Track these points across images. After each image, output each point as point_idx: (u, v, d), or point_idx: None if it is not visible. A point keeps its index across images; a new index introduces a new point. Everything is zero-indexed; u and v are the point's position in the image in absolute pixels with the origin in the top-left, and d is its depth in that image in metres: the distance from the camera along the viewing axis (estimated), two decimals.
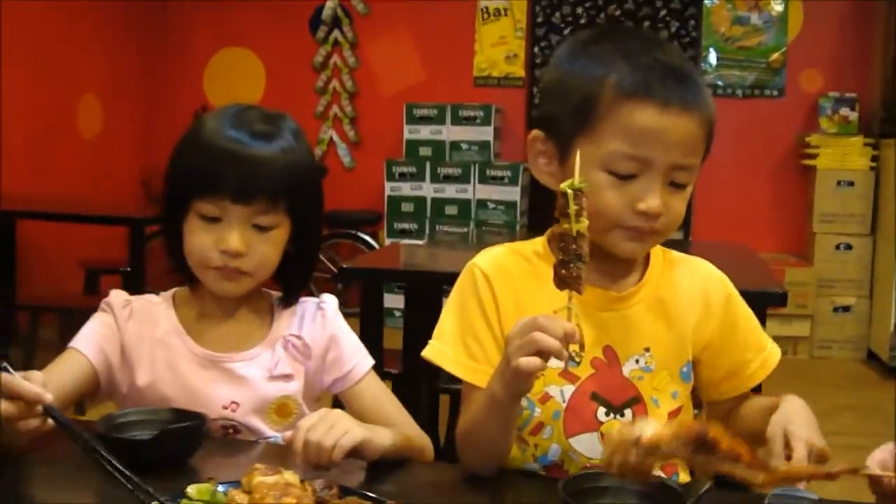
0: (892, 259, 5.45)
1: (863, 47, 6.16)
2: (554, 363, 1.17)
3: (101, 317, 1.52)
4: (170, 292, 1.58)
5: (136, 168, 6.73)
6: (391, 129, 6.55)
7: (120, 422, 1.35)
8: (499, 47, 6.65)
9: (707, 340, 1.41)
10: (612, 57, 1.28)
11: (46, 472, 1.30)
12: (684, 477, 1.41)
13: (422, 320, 2.86)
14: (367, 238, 6.33)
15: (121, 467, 1.14)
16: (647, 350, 1.37)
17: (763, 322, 2.52)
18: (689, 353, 1.40)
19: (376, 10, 6.77)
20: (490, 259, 1.42)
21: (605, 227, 1.28)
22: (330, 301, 1.59)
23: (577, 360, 1.32)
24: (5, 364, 1.21)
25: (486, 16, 6.65)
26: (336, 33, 6.85)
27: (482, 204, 6.19)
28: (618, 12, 6.62)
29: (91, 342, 1.48)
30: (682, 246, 1.55)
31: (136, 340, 1.51)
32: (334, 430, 1.26)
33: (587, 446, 1.35)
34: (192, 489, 1.11)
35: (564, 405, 1.35)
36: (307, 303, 1.58)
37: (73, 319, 4.34)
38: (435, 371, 2.83)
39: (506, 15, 6.62)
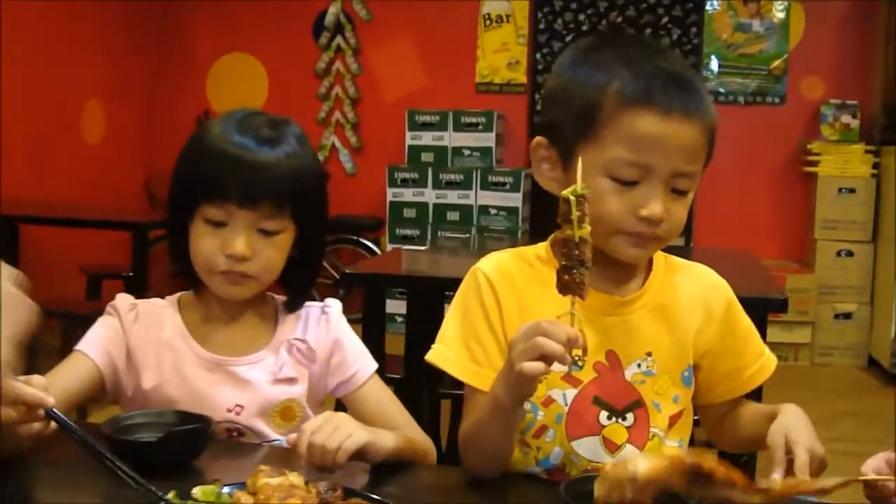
0: (892, 266, 5.45)
1: (864, 55, 6.18)
2: (557, 367, 1.18)
3: (107, 320, 1.53)
4: (175, 296, 1.59)
5: (139, 173, 6.75)
6: (393, 135, 6.57)
7: (125, 424, 1.36)
8: (501, 54, 6.67)
9: (707, 346, 1.42)
10: (615, 64, 1.30)
11: (51, 475, 1.31)
12: None
13: (423, 326, 2.87)
14: (369, 244, 6.34)
15: (127, 469, 1.15)
16: (649, 354, 1.38)
17: (764, 328, 2.54)
18: (691, 358, 1.41)
19: (379, 16, 6.79)
20: (494, 264, 1.43)
21: (607, 232, 1.29)
22: (334, 305, 1.61)
23: (580, 364, 1.33)
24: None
25: (488, 22, 6.67)
26: (339, 39, 6.86)
27: (484, 210, 6.20)
28: (619, 19, 6.64)
29: (97, 345, 1.50)
30: (683, 252, 1.56)
31: (141, 344, 1.52)
32: (338, 432, 1.28)
33: (589, 450, 1.36)
34: (197, 491, 1.12)
35: (567, 409, 1.36)
36: (311, 307, 1.59)
37: (75, 324, 4.35)
38: (436, 376, 2.84)
39: (508, 21, 6.64)
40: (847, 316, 5.87)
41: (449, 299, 1.45)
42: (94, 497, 1.24)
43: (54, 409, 1.21)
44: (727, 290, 1.47)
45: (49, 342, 4.97)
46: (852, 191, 5.85)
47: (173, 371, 1.51)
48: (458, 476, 1.36)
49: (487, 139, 6.30)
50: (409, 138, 6.41)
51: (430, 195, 6.29)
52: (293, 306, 1.58)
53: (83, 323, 1.56)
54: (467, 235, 6.11)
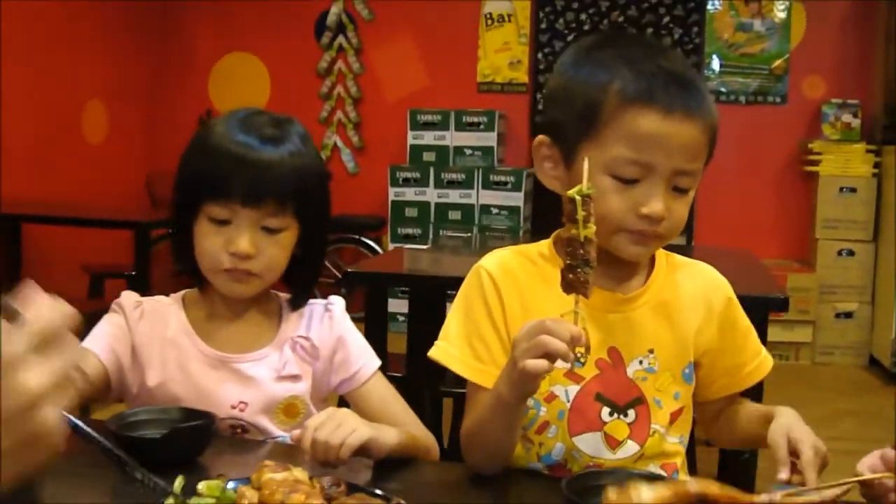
0: (893, 265, 5.46)
1: (865, 54, 6.18)
2: (559, 364, 1.19)
3: (113, 318, 1.54)
4: (180, 294, 1.60)
5: (141, 173, 6.76)
6: (395, 134, 6.57)
7: (130, 421, 1.37)
8: (502, 53, 6.67)
9: (708, 343, 1.44)
10: (616, 63, 1.31)
11: (54, 471, 1.31)
12: (683, 476, 1.43)
13: (425, 324, 2.88)
14: (371, 243, 6.34)
15: (133, 463, 1.16)
16: (651, 352, 1.39)
17: (765, 328, 2.55)
18: (691, 355, 1.42)
19: (381, 16, 6.80)
20: (496, 261, 1.44)
21: (609, 230, 1.30)
22: (337, 303, 1.62)
23: (583, 360, 1.34)
24: None
25: (489, 22, 6.67)
26: (341, 39, 6.87)
27: (485, 209, 6.21)
28: (621, 19, 6.64)
29: (102, 343, 1.51)
30: (684, 251, 1.57)
31: (146, 341, 1.53)
32: (342, 428, 1.29)
33: (591, 446, 1.37)
34: (202, 486, 1.13)
35: (569, 405, 1.37)
36: (315, 304, 1.60)
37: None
38: (438, 375, 2.86)
39: (509, 21, 6.65)
40: (848, 315, 5.87)
41: (451, 298, 1.46)
42: (99, 492, 1.25)
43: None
44: (727, 289, 1.48)
45: None
46: (853, 190, 5.85)
47: (178, 368, 1.52)
48: (460, 472, 1.37)
49: (489, 139, 6.30)
50: (411, 138, 6.42)
51: (431, 194, 6.30)
52: (297, 304, 1.59)
53: (86, 321, 1.57)
54: (469, 235, 6.11)
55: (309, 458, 1.27)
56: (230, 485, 1.14)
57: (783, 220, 6.35)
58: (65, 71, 5.94)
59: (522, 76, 6.67)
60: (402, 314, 4.41)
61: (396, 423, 1.48)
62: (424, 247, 5.62)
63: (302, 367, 1.55)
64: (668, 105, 1.27)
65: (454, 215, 6.26)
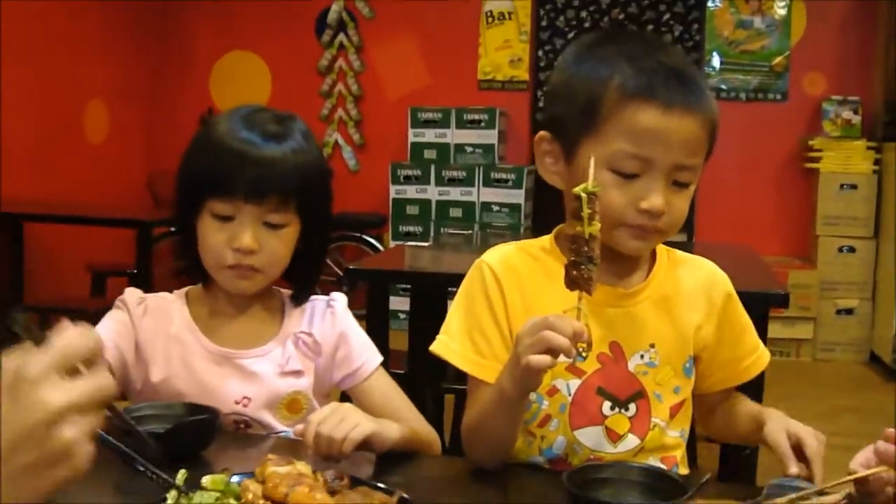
0: (894, 262, 5.46)
1: (866, 51, 6.18)
2: (561, 359, 1.20)
3: (117, 314, 1.55)
4: (183, 290, 1.61)
5: (142, 172, 6.77)
6: (396, 132, 6.58)
7: (134, 416, 1.37)
8: (503, 51, 6.68)
9: (707, 337, 1.45)
10: (617, 59, 1.31)
11: None
12: (683, 470, 1.44)
13: (427, 321, 2.88)
14: (373, 241, 6.35)
15: (137, 457, 1.16)
16: (652, 346, 1.40)
17: (766, 324, 2.56)
18: (692, 350, 1.43)
19: (381, 14, 6.80)
20: (498, 256, 1.45)
21: (609, 225, 1.31)
22: (340, 299, 1.63)
23: (584, 355, 1.35)
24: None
25: (490, 20, 6.68)
26: (341, 37, 6.88)
27: (486, 207, 6.21)
28: (621, 16, 6.65)
29: (107, 339, 1.51)
30: (685, 248, 1.58)
31: (150, 337, 1.54)
32: (344, 423, 1.30)
33: (592, 439, 1.38)
34: (206, 480, 1.14)
35: (570, 399, 1.38)
36: (317, 301, 1.61)
37: (81, 321, 4.35)
38: (440, 372, 2.87)
39: (510, 19, 6.65)
40: (849, 312, 5.88)
41: (452, 295, 1.47)
42: (102, 485, 1.25)
43: None
44: (727, 284, 1.49)
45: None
46: (854, 187, 5.86)
47: (181, 364, 1.53)
48: (462, 466, 1.38)
49: (490, 136, 6.31)
50: (412, 135, 6.43)
51: (432, 192, 6.30)
52: (299, 300, 1.60)
53: (88, 320, 1.57)
54: (470, 232, 6.12)
55: (312, 453, 1.28)
56: (234, 478, 1.15)
57: (784, 217, 6.35)
58: (66, 70, 5.95)
59: (523, 74, 6.68)
60: (404, 312, 4.42)
61: (398, 419, 1.49)
62: (426, 244, 5.63)
63: (304, 363, 1.56)
64: (667, 100, 1.27)
65: (455, 213, 6.27)
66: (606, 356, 1.39)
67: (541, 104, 6.62)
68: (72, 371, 0.77)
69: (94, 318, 1.56)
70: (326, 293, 1.67)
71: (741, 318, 1.49)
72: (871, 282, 5.84)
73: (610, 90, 1.29)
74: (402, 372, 2.98)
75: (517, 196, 6.16)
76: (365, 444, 1.32)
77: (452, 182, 6.26)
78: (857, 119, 6.06)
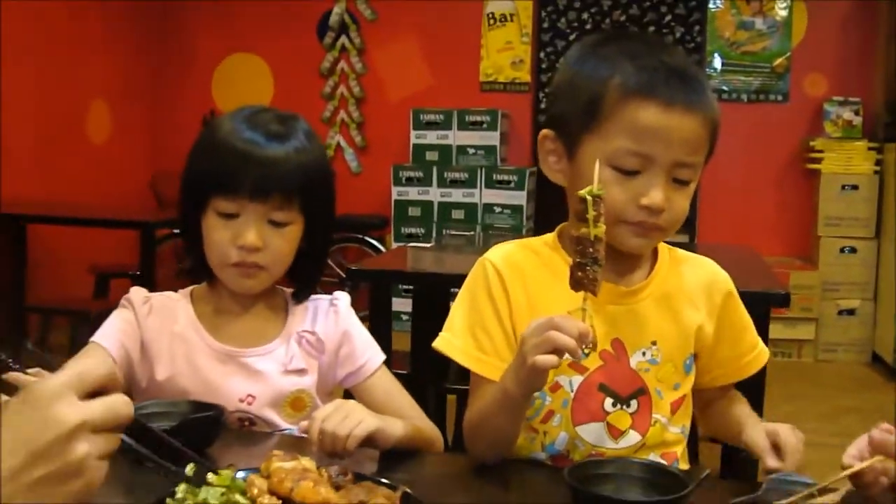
0: (895, 262, 5.47)
1: (867, 52, 6.19)
2: (566, 358, 1.21)
3: (122, 313, 1.57)
4: (188, 289, 1.62)
5: (145, 173, 6.79)
6: (398, 134, 6.59)
7: (139, 413, 1.37)
8: (505, 53, 6.69)
9: (707, 335, 1.46)
10: (619, 58, 1.33)
11: None
12: (684, 466, 1.45)
13: (429, 322, 2.89)
14: (375, 242, 6.36)
15: (145, 451, 1.17)
16: (654, 343, 1.41)
17: (767, 324, 2.56)
18: (692, 347, 1.45)
19: (383, 16, 6.82)
20: (502, 254, 1.46)
21: (610, 221, 1.31)
22: (343, 298, 1.64)
23: (587, 352, 1.36)
24: (14, 363, 1.23)
25: (492, 21, 6.69)
26: (343, 39, 6.89)
27: (488, 208, 6.23)
28: (623, 17, 6.66)
29: (112, 337, 1.53)
30: (687, 248, 1.59)
31: (155, 336, 1.55)
32: (349, 419, 1.31)
33: (593, 435, 1.39)
34: (212, 475, 1.15)
35: (572, 395, 1.39)
36: (320, 300, 1.63)
37: (84, 323, 4.38)
38: (442, 372, 2.88)
39: (512, 21, 6.66)
40: (850, 312, 5.88)
41: (454, 296, 1.48)
42: (110, 478, 1.26)
43: None
44: (728, 282, 1.50)
45: (57, 340, 5.01)
46: (855, 187, 5.87)
47: (186, 363, 1.54)
48: (464, 463, 1.39)
49: (492, 138, 6.32)
50: (414, 137, 6.44)
51: (434, 194, 6.31)
52: (300, 297, 1.61)
53: (91, 321, 1.59)
54: (472, 233, 6.13)
55: (316, 449, 1.29)
56: (240, 474, 1.16)
57: (785, 217, 6.36)
58: (69, 71, 5.96)
59: (525, 75, 6.69)
60: (406, 313, 4.44)
61: (401, 416, 1.49)
62: (428, 245, 5.63)
63: (308, 361, 1.58)
64: (668, 98, 1.29)
65: (457, 214, 6.28)
66: (608, 353, 1.40)
67: (542, 105, 6.63)
68: (88, 395, 0.80)
69: (96, 320, 1.58)
70: (329, 294, 1.69)
71: (741, 317, 1.50)
72: (873, 282, 5.84)
73: (611, 88, 1.31)
74: (404, 372, 2.99)
75: (519, 197, 6.17)
76: (369, 441, 1.33)
77: (454, 184, 6.27)
78: (858, 120, 6.07)
